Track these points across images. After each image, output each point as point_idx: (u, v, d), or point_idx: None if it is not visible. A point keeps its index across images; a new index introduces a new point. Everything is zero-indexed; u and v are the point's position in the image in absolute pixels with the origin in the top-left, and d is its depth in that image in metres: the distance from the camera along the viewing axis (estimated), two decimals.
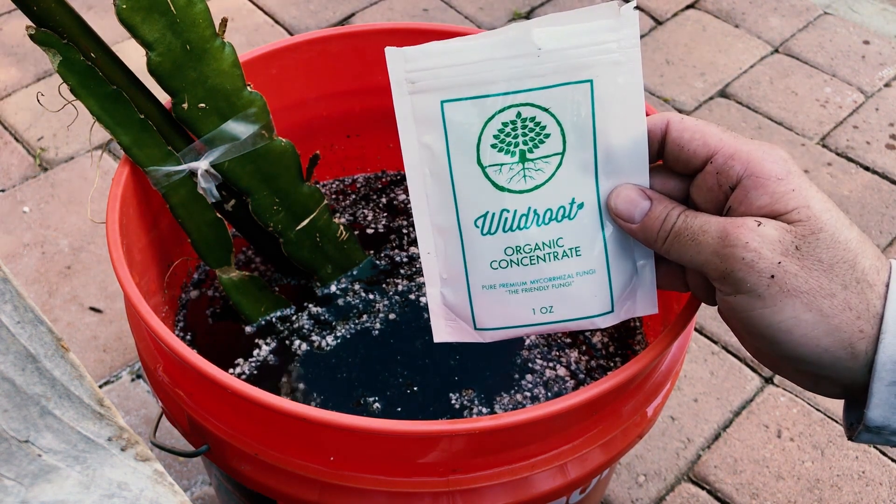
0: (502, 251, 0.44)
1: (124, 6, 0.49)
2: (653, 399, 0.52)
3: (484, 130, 0.43)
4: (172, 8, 0.50)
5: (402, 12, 1.32)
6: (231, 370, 0.58)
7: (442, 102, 0.43)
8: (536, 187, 0.44)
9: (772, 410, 0.88)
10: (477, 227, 0.44)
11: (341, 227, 0.63)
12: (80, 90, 0.51)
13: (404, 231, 0.68)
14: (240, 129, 0.55)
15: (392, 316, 0.62)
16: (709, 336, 0.95)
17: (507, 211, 0.44)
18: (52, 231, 1.01)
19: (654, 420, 0.54)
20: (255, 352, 0.59)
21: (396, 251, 0.66)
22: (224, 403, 0.49)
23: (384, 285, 0.64)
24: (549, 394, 0.57)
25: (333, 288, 0.64)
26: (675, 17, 1.34)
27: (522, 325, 0.46)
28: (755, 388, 0.90)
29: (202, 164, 0.55)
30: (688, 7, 1.36)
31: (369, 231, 0.68)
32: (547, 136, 0.43)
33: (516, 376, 0.58)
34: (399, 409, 0.56)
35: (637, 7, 0.43)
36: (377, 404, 0.56)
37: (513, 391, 0.57)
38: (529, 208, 0.44)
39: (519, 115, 0.43)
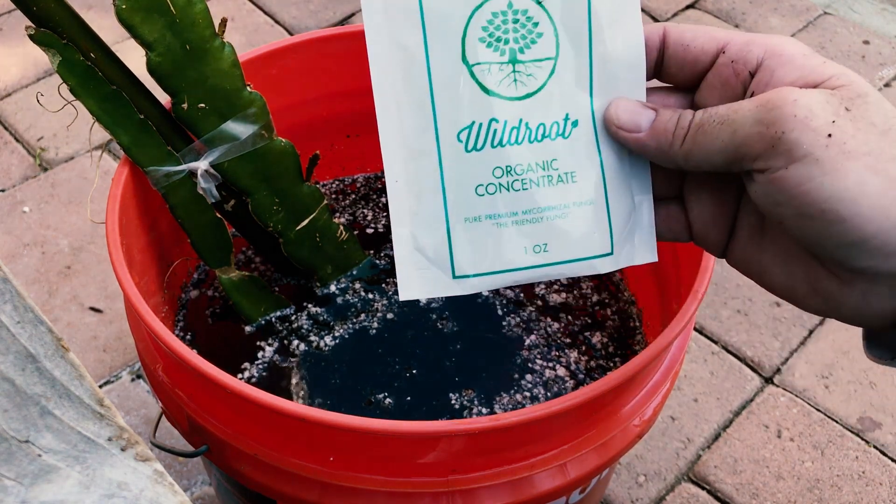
0: (490, 172, 0.39)
1: (124, 6, 0.49)
2: (652, 399, 0.52)
3: (471, 20, 0.38)
4: (172, 8, 0.50)
5: None
6: (239, 375, 0.58)
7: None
8: (528, 95, 0.39)
9: (772, 410, 0.88)
10: (461, 141, 0.39)
11: (341, 227, 0.63)
12: (80, 90, 0.51)
13: None
14: (239, 129, 0.55)
15: (391, 315, 0.62)
16: (709, 336, 0.95)
17: (497, 121, 0.38)
18: (52, 231, 1.01)
19: (654, 420, 0.54)
20: (260, 354, 0.59)
21: None
22: (223, 404, 0.49)
23: (384, 285, 0.64)
24: (549, 394, 0.57)
25: (333, 288, 0.64)
26: (675, 17, 1.34)
27: (511, 268, 0.40)
28: (755, 388, 0.90)
29: (202, 164, 0.55)
30: (688, 7, 1.36)
31: (369, 231, 0.68)
32: (539, 35, 0.39)
33: (516, 376, 0.58)
34: (401, 408, 0.56)
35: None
36: (382, 404, 0.56)
37: (513, 391, 0.57)
38: (521, 120, 0.39)
39: (510, 4, 0.38)
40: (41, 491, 0.34)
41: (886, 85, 1.26)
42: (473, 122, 0.38)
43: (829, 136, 0.34)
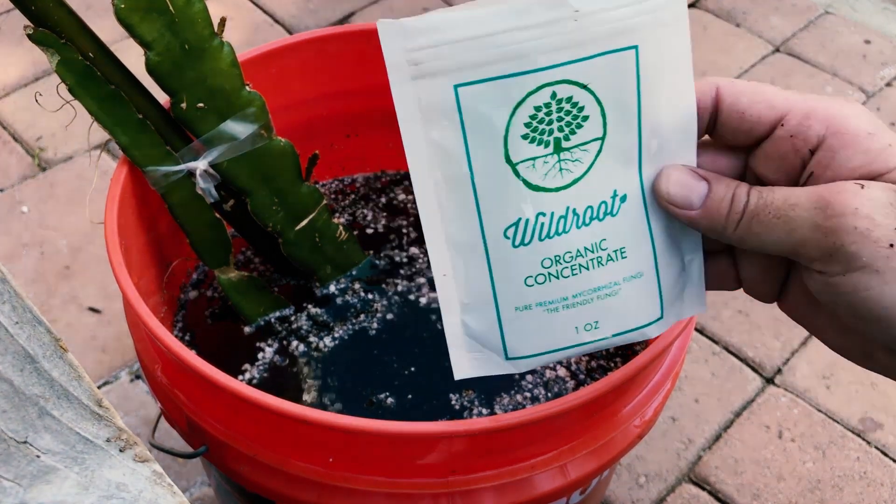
0: (539, 264, 0.37)
1: (122, 5, 0.49)
2: (653, 399, 0.52)
3: (513, 118, 0.35)
4: (171, 7, 0.50)
5: (401, 12, 1.31)
6: (240, 376, 0.58)
7: (456, 87, 0.35)
8: (574, 182, 0.37)
9: (773, 411, 0.88)
10: (507, 238, 0.37)
11: (341, 227, 0.63)
12: (79, 90, 0.51)
13: (404, 231, 0.68)
14: (239, 128, 0.55)
15: (390, 316, 0.62)
16: (709, 336, 0.94)
17: (544, 215, 0.37)
18: (51, 231, 1.01)
19: (655, 421, 0.53)
20: (260, 355, 0.59)
21: (396, 251, 0.66)
22: (222, 404, 0.49)
23: (384, 285, 0.64)
24: (549, 394, 0.57)
25: (333, 288, 0.63)
26: None
27: (563, 347, 0.39)
28: (756, 388, 0.90)
29: (201, 164, 0.55)
30: (689, 6, 1.36)
31: (369, 231, 0.68)
32: (585, 118, 0.36)
33: (516, 377, 0.58)
34: (401, 409, 0.56)
35: None
36: (382, 405, 0.56)
37: (513, 391, 0.57)
38: (568, 208, 0.37)
39: (554, 95, 0.35)
40: (40, 492, 0.34)
41: (888, 84, 1.26)
42: (520, 219, 0.37)
43: (891, 245, 0.33)
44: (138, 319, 0.47)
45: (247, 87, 0.55)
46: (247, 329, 0.61)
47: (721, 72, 1.25)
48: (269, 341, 0.60)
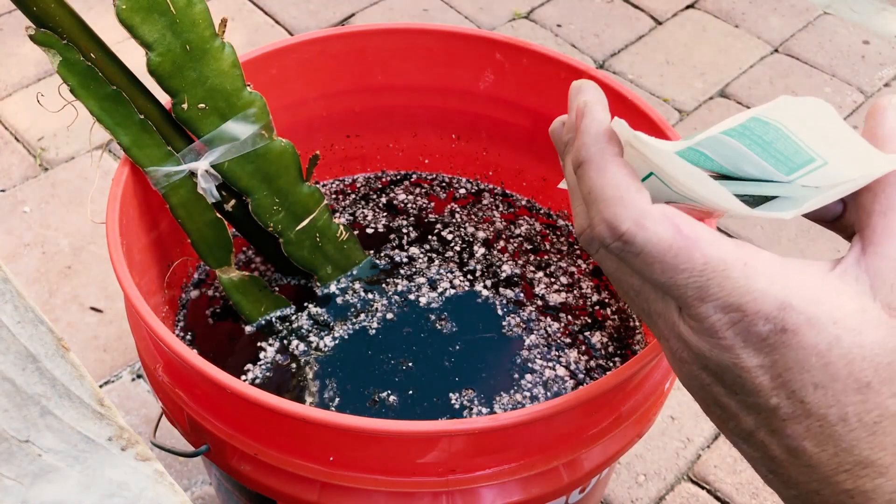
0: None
1: (124, 6, 0.49)
2: (652, 399, 0.52)
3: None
4: (172, 8, 0.50)
5: (402, 12, 1.32)
6: (243, 377, 0.58)
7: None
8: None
9: None
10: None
11: (341, 227, 0.63)
12: (80, 91, 0.51)
13: (404, 231, 0.68)
14: (240, 129, 0.55)
15: (391, 316, 0.62)
16: None
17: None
18: (53, 231, 1.01)
19: (654, 419, 0.54)
20: (262, 355, 0.59)
21: (396, 251, 0.66)
22: (223, 404, 0.49)
23: (384, 285, 0.64)
24: (549, 394, 0.58)
25: (333, 288, 0.64)
26: (675, 17, 1.34)
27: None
28: None
29: (202, 165, 0.55)
30: (688, 7, 1.36)
31: (369, 231, 0.68)
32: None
33: (516, 376, 0.58)
34: (401, 409, 0.56)
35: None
36: (384, 405, 0.56)
37: (512, 391, 0.57)
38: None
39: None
40: (41, 491, 0.34)
41: (886, 85, 1.26)
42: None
43: None
44: (140, 319, 0.47)
45: (248, 88, 0.55)
46: (248, 328, 0.61)
47: (720, 72, 1.25)
48: (270, 341, 0.60)
